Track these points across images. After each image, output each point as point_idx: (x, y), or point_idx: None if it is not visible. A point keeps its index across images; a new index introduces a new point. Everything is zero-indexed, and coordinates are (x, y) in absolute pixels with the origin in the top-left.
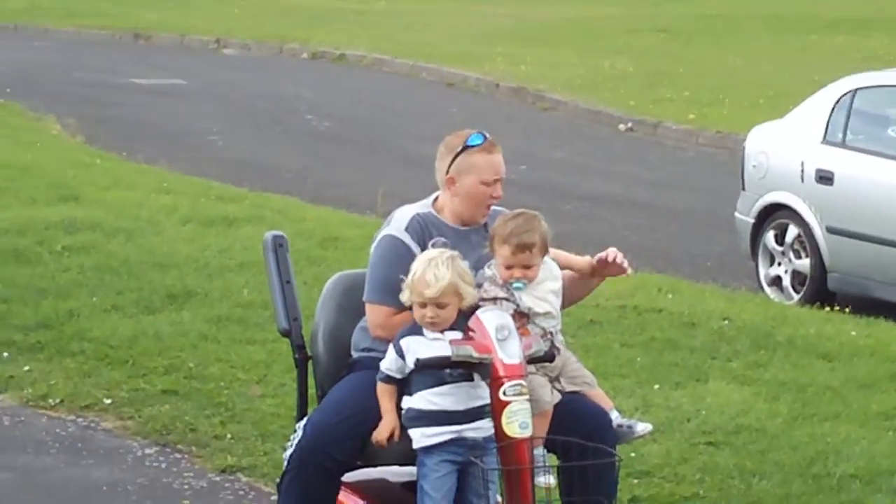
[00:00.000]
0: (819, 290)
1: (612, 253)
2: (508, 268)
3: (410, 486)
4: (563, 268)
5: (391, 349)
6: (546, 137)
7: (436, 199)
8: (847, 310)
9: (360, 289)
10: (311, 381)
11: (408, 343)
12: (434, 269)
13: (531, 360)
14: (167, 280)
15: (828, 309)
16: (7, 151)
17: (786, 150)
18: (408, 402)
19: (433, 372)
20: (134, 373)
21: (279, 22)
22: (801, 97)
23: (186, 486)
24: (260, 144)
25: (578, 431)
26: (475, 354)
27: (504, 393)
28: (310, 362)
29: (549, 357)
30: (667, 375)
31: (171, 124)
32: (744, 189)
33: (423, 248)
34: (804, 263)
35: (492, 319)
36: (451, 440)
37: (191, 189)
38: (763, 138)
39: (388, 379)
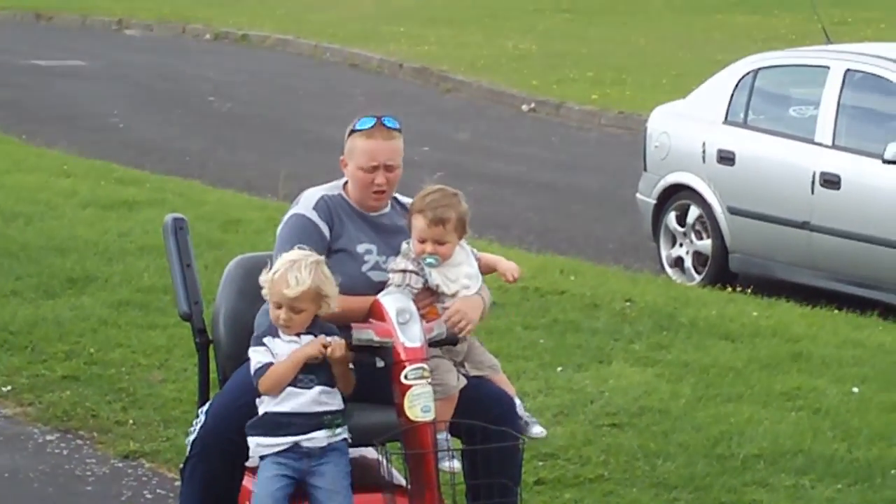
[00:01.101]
0: (721, 271)
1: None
2: (422, 241)
3: None
4: (487, 271)
5: (257, 348)
6: (449, 118)
7: (346, 181)
8: (749, 291)
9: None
10: (212, 366)
11: (272, 342)
12: (297, 272)
13: (434, 343)
14: (67, 264)
15: (729, 290)
16: None
17: (688, 131)
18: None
19: None
20: (34, 358)
21: (182, 2)
22: (704, 77)
23: (89, 473)
24: (162, 127)
25: (483, 416)
26: (376, 338)
27: (406, 377)
28: (211, 346)
29: (451, 340)
30: (570, 357)
31: (72, 106)
32: (646, 170)
33: (332, 228)
34: (706, 244)
35: (392, 303)
36: (287, 449)
37: (91, 172)
38: (665, 118)
39: (264, 371)
